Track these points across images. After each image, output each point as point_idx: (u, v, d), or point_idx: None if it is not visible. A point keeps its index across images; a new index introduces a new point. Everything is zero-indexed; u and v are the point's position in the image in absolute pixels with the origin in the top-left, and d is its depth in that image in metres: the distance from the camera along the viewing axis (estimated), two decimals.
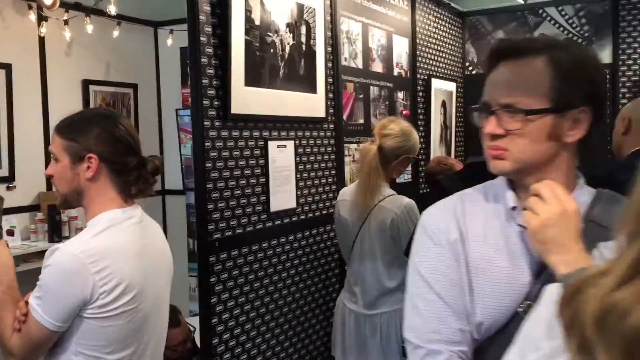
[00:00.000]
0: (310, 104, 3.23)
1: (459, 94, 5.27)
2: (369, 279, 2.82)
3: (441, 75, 4.93)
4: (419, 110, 4.51)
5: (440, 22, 4.99)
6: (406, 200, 2.76)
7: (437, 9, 4.89)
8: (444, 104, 4.89)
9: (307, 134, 3.24)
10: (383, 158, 2.80)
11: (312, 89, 3.24)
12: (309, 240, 3.26)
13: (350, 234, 2.84)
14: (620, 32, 4.93)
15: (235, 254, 2.69)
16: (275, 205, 2.95)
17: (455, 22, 5.33)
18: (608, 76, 4.97)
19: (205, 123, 2.53)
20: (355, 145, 3.67)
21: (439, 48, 4.97)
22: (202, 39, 2.50)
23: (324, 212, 3.38)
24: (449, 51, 5.17)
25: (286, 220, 3.06)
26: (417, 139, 2.92)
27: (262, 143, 2.87)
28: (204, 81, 2.52)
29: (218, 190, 2.59)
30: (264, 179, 2.88)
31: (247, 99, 2.74)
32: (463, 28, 5.49)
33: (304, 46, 3.15)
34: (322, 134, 3.36)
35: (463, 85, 5.39)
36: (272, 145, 2.92)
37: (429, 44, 4.74)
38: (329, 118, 3.40)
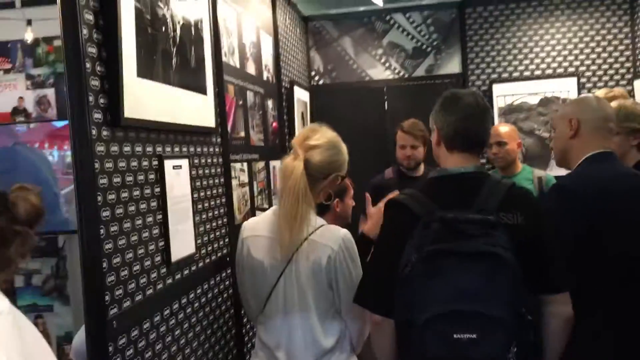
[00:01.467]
0: (201, 108, 2.36)
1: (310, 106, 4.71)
2: (300, 338, 2.01)
3: (299, 83, 4.32)
4: (284, 124, 3.83)
5: (294, 24, 4.38)
6: (342, 232, 2.06)
7: (291, 9, 4.27)
8: (303, 117, 4.27)
9: (199, 149, 2.37)
10: (309, 178, 2.06)
11: (202, 88, 2.38)
12: (208, 296, 2.37)
13: (267, 280, 2.04)
14: (468, 40, 4.82)
15: (136, 335, 1.74)
16: (176, 252, 2.03)
17: (301, 27, 4.76)
18: (458, 86, 4.83)
19: (92, 132, 1.57)
20: (239, 165, 2.86)
21: (295, 53, 4.35)
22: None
23: (219, 254, 2.52)
24: (300, 58, 4.58)
25: (186, 272, 2.15)
26: (345, 149, 2.22)
27: (156, 163, 1.95)
28: (86, 65, 1.56)
29: (112, 237, 1.64)
30: (161, 216, 1.95)
31: (140, 97, 1.81)
32: (307, 33, 4.95)
33: (192, 29, 2.29)
34: (211, 149, 2.50)
35: (310, 97, 4.84)
36: (168, 165, 2.01)
37: (288, 47, 4.10)
38: (218, 129, 2.56)
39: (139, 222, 1.80)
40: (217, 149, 2.57)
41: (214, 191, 2.50)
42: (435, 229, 1.62)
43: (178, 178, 2.09)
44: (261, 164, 3.25)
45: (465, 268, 1.57)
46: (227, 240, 2.61)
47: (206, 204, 2.39)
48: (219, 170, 2.57)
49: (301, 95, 4.27)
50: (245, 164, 2.97)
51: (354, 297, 1.83)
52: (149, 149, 1.91)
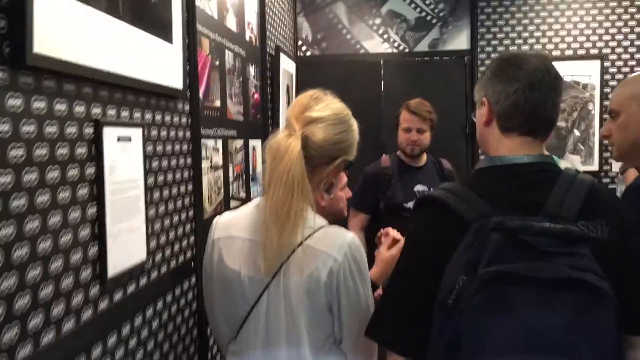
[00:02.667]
0: (164, 61, 1.72)
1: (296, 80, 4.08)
2: None
3: (286, 51, 3.68)
4: (268, 97, 3.20)
5: None
6: (349, 237, 1.47)
7: None
8: (288, 90, 3.64)
9: (158, 117, 1.73)
10: (308, 162, 1.46)
11: (167, 33, 1.73)
12: (163, 317, 1.74)
13: (244, 298, 1.46)
14: (479, 13, 4.23)
15: None
16: (116, 261, 1.39)
17: None
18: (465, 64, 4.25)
19: None
20: (212, 143, 2.23)
21: (282, 17, 3.70)
22: None
23: (180, 259, 1.89)
24: (287, 24, 3.94)
25: (132, 289, 1.51)
26: (356, 126, 1.62)
27: (91, 131, 1.31)
28: None
29: (6, 245, 1.00)
30: (94, 210, 1.32)
31: (65, 25, 1.17)
32: None
33: None
34: (175, 119, 1.87)
35: (297, 70, 4.21)
36: (109, 135, 1.37)
37: (275, 8, 3.45)
38: (186, 92, 1.92)
39: (56, 219, 1.16)
40: (183, 119, 1.93)
41: (177, 175, 1.87)
42: (494, 241, 1.12)
43: (125, 155, 1.45)
44: (239, 143, 2.61)
45: (545, 302, 1.10)
46: (192, 239, 1.98)
47: (165, 192, 1.76)
48: (185, 147, 1.94)
49: (287, 66, 3.64)
50: (219, 142, 2.33)
51: (367, 327, 1.32)
52: (80, 108, 1.27)
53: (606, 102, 4.23)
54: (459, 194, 1.24)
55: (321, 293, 1.39)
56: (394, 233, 2.24)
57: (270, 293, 1.42)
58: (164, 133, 1.75)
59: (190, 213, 1.98)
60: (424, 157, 3.17)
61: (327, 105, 1.49)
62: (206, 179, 2.15)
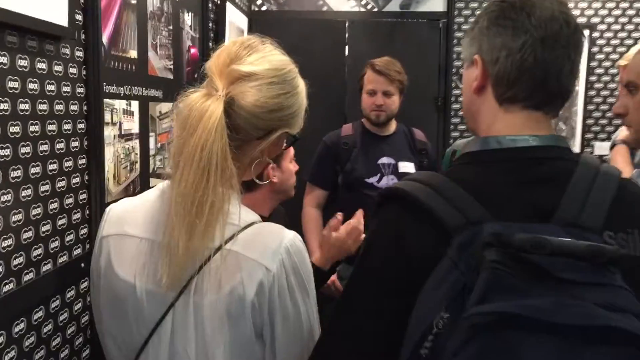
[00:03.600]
0: None
1: None
2: None
3: (236, 1, 3.16)
4: (209, 53, 2.68)
5: None
6: (287, 238, 1.09)
7: None
8: None
9: (24, 64, 1.23)
10: (233, 134, 1.07)
11: None
12: (30, 340, 1.26)
13: (142, 320, 1.07)
14: None
15: None
16: None
17: None
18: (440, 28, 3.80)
19: None
20: (123, 104, 1.73)
21: None
22: None
23: (64, 258, 1.40)
24: None
25: None
26: (304, 89, 1.20)
27: None
28: None
29: None
30: None
31: None
32: None
33: None
34: (58, 68, 1.36)
35: (249, 26, 3.69)
36: None
37: None
38: (76, 33, 1.42)
39: None
40: (72, 70, 1.43)
41: (62, 145, 1.38)
42: (491, 264, 0.76)
43: None
44: (165, 107, 2.11)
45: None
46: (85, 231, 1.50)
47: (36, 168, 1.27)
48: (74, 107, 1.44)
49: (237, 20, 3.13)
50: (135, 104, 1.83)
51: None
52: None
53: (591, 77, 3.84)
54: (440, 188, 0.88)
55: (247, 316, 1.01)
56: (355, 222, 1.86)
57: (176, 315, 1.02)
58: (36, 87, 1.26)
59: (84, 196, 1.49)
60: (393, 125, 2.76)
61: (264, 58, 1.09)
62: (112, 150, 1.66)
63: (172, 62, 2.19)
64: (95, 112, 1.52)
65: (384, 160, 2.69)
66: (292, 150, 2.02)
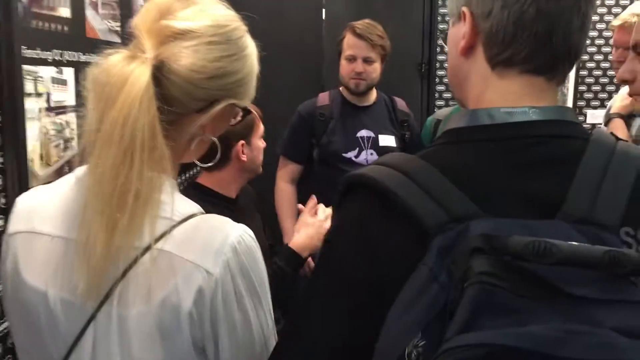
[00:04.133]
0: None
1: None
2: None
3: None
4: None
5: None
6: (235, 233, 0.90)
7: None
8: None
9: None
10: (164, 108, 0.87)
11: None
12: None
13: (57, 334, 0.89)
14: None
15: None
16: None
17: None
18: None
19: None
20: (52, 72, 1.48)
21: None
22: None
23: None
24: None
25: None
26: (255, 51, 1.00)
27: None
28: None
29: None
30: None
31: None
32: None
33: None
34: None
35: None
36: None
37: None
38: None
39: None
40: None
41: None
42: (479, 277, 0.59)
43: None
44: None
45: None
46: (0, 224, 1.26)
47: None
48: None
49: None
50: (69, 71, 1.57)
51: None
52: None
53: None
54: (416, 175, 0.71)
55: (183, 329, 0.84)
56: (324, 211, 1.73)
57: (97, 329, 0.85)
58: None
59: None
60: (373, 94, 2.56)
61: (203, 12, 0.91)
62: (37, 126, 1.41)
63: (119, 24, 1.92)
64: (8, 80, 1.27)
65: (363, 133, 2.50)
66: (261, 126, 1.87)
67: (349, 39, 2.45)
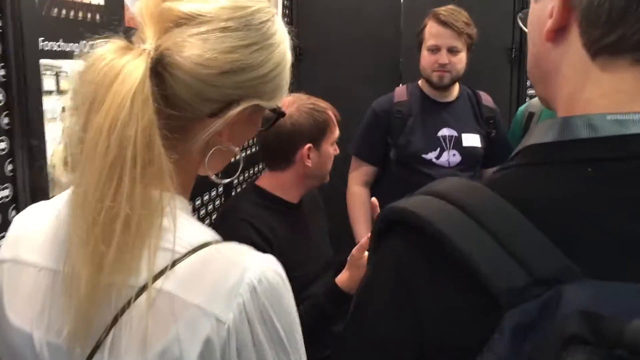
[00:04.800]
0: None
1: None
2: None
3: None
4: None
5: None
6: (255, 266, 0.72)
7: None
8: None
9: None
10: (165, 111, 0.71)
11: None
12: None
13: None
14: None
15: None
16: None
17: None
18: None
19: None
20: (73, 66, 1.31)
21: None
22: None
23: None
24: None
25: None
26: (286, 41, 0.82)
27: None
28: None
29: None
30: None
31: None
32: None
33: None
34: None
35: None
36: None
37: None
38: None
39: None
40: None
41: None
42: None
43: None
44: None
45: None
46: None
47: None
48: None
49: None
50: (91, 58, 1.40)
51: None
52: None
53: None
54: (481, 213, 0.51)
55: None
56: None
57: None
58: None
59: (4, 193, 1.08)
60: (456, 89, 2.32)
61: None
62: (60, 127, 1.24)
63: None
64: (17, 77, 1.09)
65: (445, 131, 2.26)
66: (336, 131, 1.73)
67: (431, 27, 2.22)
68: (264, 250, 1.70)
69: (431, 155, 2.24)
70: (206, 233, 0.74)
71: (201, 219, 1.90)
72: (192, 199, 1.87)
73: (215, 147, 0.77)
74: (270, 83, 0.77)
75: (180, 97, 0.71)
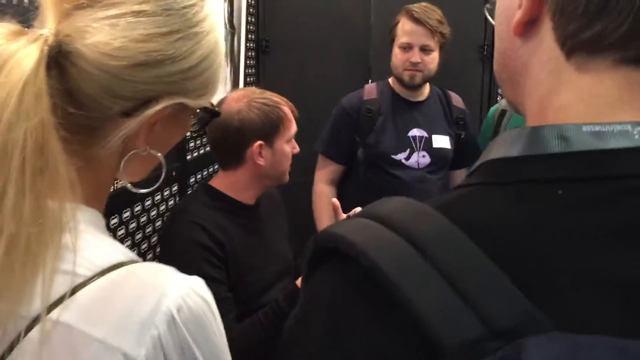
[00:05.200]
0: None
1: None
2: None
3: None
4: None
5: None
6: (175, 291, 0.63)
7: None
8: None
9: None
10: (71, 107, 0.62)
11: None
12: None
13: None
14: None
15: None
16: None
17: None
18: None
19: None
20: None
21: None
22: None
23: None
24: None
25: None
26: (218, 30, 0.71)
27: None
28: None
29: None
30: None
31: None
32: None
33: None
34: None
35: None
36: None
37: None
38: None
39: None
40: None
41: None
42: None
43: None
44: None
45: None
46: None
47: None
48: None
49: None
50: None
51: None
52: None
53: None
54: (427, 243, 0.41)
55: None
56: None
57: None
58: None
59: None
60: (427, 89, 2.27)
61: None
62: None
63: None
64: None
65: (415, 132, 2.21)
66: (292, 127, 1.67)
67: (404, 24, 2.15)
68: (216, 255, 1.56)
69: (401, 156, 2.18)
70: (119, 252, 0.65)
71: (152, 221, 1.79)
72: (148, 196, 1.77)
73: (132, 152, 0.67)
74: (197, 78, 0.68)
75: (85, 92, 0.61)
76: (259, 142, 1.58)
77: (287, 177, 1.69)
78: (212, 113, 0.75)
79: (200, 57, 0.67)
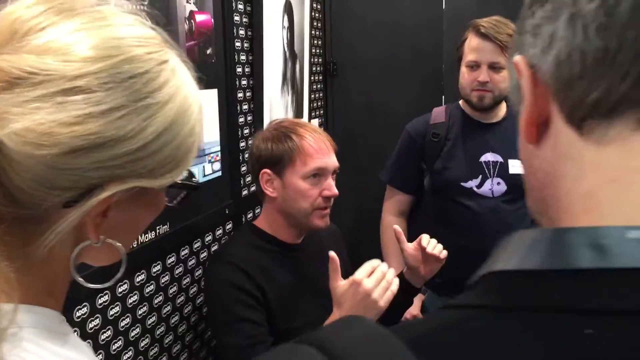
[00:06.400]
0: None
1: None
2: None
3: None
4: (238, 18, 2.00)
5: None
6: None
7: None
8: (289, 9, 2.42)
9: None
10: (4, 200, 0.53)
11: None
12: None
13: None
14: None
15: None
16: None
17: None
18: None
19: None
20: None
21: None
22: None
23: None
24: None
25: None
26: (183, 94, 0.60)
27: None
28: None
29: None
30: None
31: None
32: None
33: None
34: None
35: None
36: None
37: None
38: None
39: None
40: None
41: None
42: None
43: None
44: None
45: None
46: None
47: None
48: None
49: None
50: None
51: None
52: None
53: None
54: None
55: None
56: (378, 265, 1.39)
57: None
58: None
59: None
60: (502, 109, 2.06)
61: (79, 31, 0.55)
62: None
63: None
64: None
65: (488, 157, 2.01)
66: (314, 163, 1.50)
67: (472, 41, 1.98)
68: (255, 297, 1.43)
69: (472, 184, 1.98)
70: (60, 321, 0.57)
71: (202, 263, 1.71)
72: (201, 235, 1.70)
73: (81, 245, 0.57)
74: (153, 157, 0.57)
75: (17, 186, 0.52)
76: (265, 170, 1.51)
77: (314, 221, 1.52)
78: (190, 187, 0.63)
79: (153, 133, 0.56)
